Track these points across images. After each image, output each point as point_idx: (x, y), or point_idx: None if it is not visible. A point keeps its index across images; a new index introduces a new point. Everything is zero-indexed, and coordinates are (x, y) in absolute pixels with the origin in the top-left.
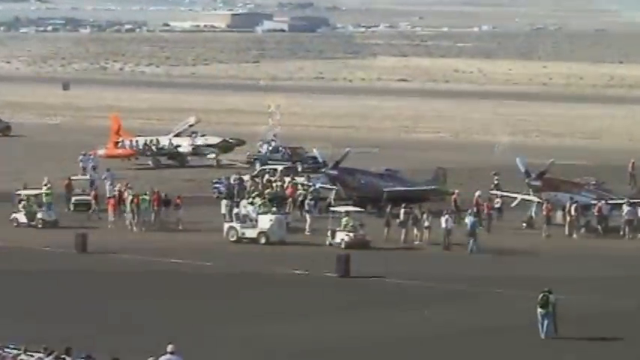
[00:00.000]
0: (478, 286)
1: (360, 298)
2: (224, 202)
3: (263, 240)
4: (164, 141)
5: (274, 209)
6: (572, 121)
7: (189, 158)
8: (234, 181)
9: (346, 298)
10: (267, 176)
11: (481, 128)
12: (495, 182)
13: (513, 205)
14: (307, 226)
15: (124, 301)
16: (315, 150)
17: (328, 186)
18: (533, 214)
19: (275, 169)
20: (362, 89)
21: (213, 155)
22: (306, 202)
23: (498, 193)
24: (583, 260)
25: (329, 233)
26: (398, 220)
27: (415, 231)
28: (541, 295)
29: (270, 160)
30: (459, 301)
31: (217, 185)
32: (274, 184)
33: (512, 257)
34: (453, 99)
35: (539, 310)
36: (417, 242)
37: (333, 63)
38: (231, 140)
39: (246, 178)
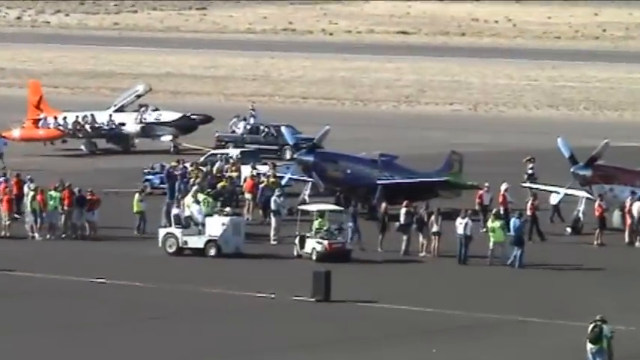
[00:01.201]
0: (505, 314)
1: (344, 330)
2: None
3: (213, 251)
4: (102, 118)
5: (228, 210)
6: (635, 89)
7: (136, 141)
8: (174, 170)
9: (325, 331)
10: (218, 164)
11: (509, 98)
12: (529, 172)
13: (553, 202)
14: (273, 232)
15: (7, 338)
16: (283, 128)
17: (301, 177)
18: (580, 216)
19: (230, 156)
20: (347, 45)
21: (169, 137)
22: (273, 199)
23: (532, 186)
24: None
25: (296, 240)
26: (397, 224)
27: (420, 238)
28: (592, 325)
29: (249, 142)
30: (478, 335)
31: (149, 177)
32: (227, 175)
33: (552, 274)
34: (470, 58)
35: (589, 345)
36: (422, 254)
37: (307, 9)
38: (193, 117)
39: (191, 167)
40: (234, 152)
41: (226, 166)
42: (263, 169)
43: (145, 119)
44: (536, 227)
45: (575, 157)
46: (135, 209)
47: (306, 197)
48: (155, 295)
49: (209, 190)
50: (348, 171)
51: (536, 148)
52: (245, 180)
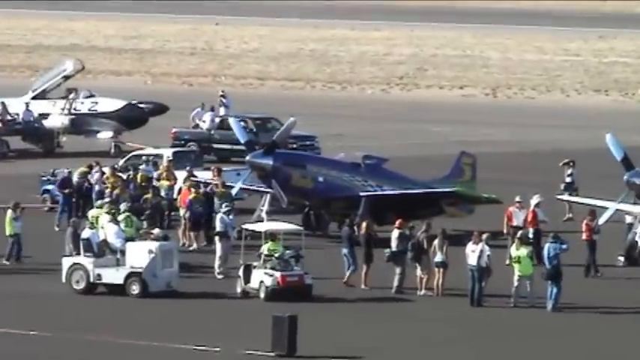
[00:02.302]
0: None
1: None
2: (64, 217)
3: (136, 288)
4: (16, 107)
5: (158, 232)
6: None
7: (63, 139)
8: (82, 177)
9: None
10: (143, 167)
11: (541, 80)
12: (568, 180)
13: (602, 221)
14: (218, 262)
15: None
16: (231, 120)
17: (257, 187)
18: (638, 240)
19: (160, 158)
20: (318, 8)
21: (108, 133)
22: (219, 217)
23: (572, 199)
24: None
25: (239, 272)
26: (387, 252)
27: (418, 271)
28: None
29: (218, 141)
30: None
31: (48, 186)
32: (156, 184)
33: (598, 321)
34: (487, 25)
35: None
36: (421, 292)
37: None
38: (141, 105)
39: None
40: (165, 153)
41: (155, 173)
42: (205, 175)
43: (75, 109)
44: (593, 257)
45: (630, 160)
46: (7, 231)
47: (263, 214)
48: (54, 347)
49: (129, 204)
50: (321, 179)
51: (577, 148)
52: (180, 191)
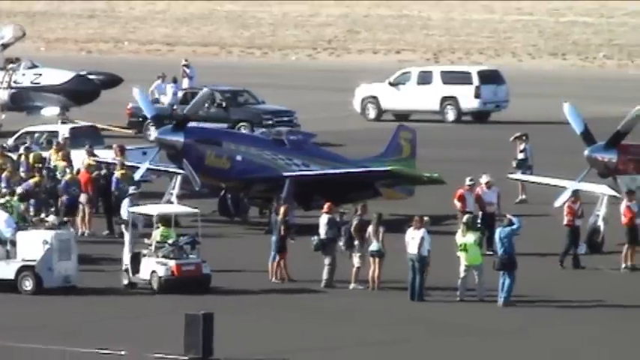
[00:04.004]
0: None
1: None
2: None
3: (29, 284)
4: None
5: (53, 219)
6: None
7: (2, 116)
8: None
9: None
10: (35, 149)
11: (490, 42)
12: (520, 157)
13: (559, 203)
14: (126, 253)
15: None
16: (136, 92)
17: (166, 167)
18: (600, 224)
19: (55, 135)
20: None
21: (55, 110)
22: (124, 203)
23: (524, 178)
24: None
25: (125, 261)
26: (314, 239)
27: (355, 260)
28: None
29: (180, 119)
30: None
31: None
32: (49, 165)
33: (555, 316)
34: None
35: None
36: (353, 285)
37: None
38: (92, 77)
39: None
40: (61, 130)
41: (49, 152)
42: (106, 154)
43: (15, 82)
44: (574, 246)
45: (591, 134)
46: None
47: (174, 198)
48: None
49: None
50: (239, 157)
51: (531, 120)
52: (78, 172)
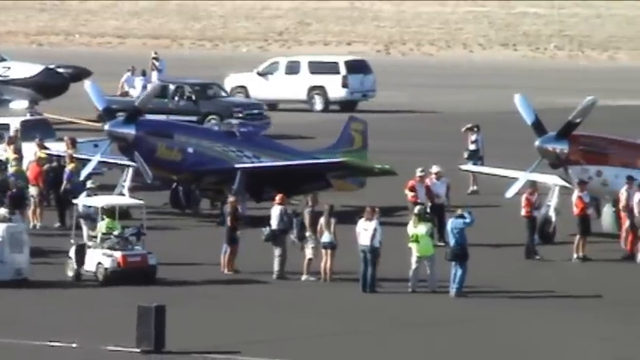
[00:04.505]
0: None
1: None
2: None
3: None
4: None
5: (3, 212)
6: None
7: None
8: None
9: None
10: None
11: (441, 34)
12: (471, 147)
13: (511, 194)
14: (80, 245)
15: None
16: (87, 84)
17: (117, 160)
18: (551, 214)
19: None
20: None
21: (23, 103)
22: (82, 195)
23: (475, 169)
24: None
25: (71, 252)
26: (265, 230)
27: (307, 251)
28: None
29: (150, 111)
30: None
31: None
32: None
33: (506, 307)
34: None
35: None
36: (305, 276)
37: None
38: (61, 70)
39: None
40: (12, 123)
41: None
42: (58, 147)
43: None
44: (532, 237)
45: (542, 124)
46: None
47: (125, 191)
48: None
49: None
50: (190, 149)
51: (482, 111)
52: (28, 165)
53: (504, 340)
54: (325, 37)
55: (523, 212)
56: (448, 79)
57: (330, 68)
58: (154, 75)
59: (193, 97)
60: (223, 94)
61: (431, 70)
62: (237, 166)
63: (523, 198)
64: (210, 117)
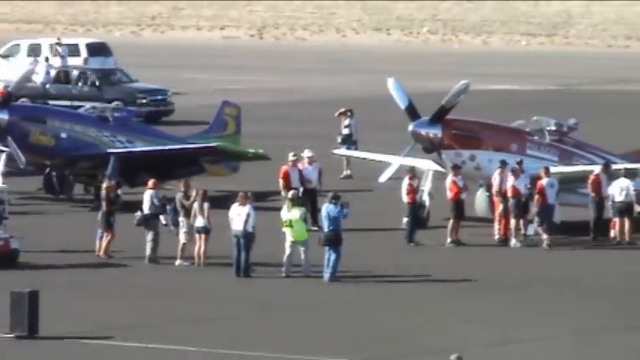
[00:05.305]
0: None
1: None
2: None
3: None
4: None
5: None
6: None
7: None
8: None
9: None
10: None
11: (314, 18)
12: (345, 132)
13: (384, 179)
14: None
15: None
16: None
17: None
18: (425, 198)
19: None
20: None
21: None
22: None
23: (349, 154)
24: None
25: None
26: (137, 214)
27: (181, 236)
28: None
29: (54, 97)
30: None
31: None
32: None
33: (380, 291)
34: None
35: None
36: (179, 261)
37: None
38: None
39: None
40: None
41: None
42: None
43: None
44: (413, 224)
45: (416, 108)
46: None
47: None
48: None
49: None
50: (63, 134)
51: (355, 95)
52: None
53: (379, 324)
54: (198, 22)
55: (406, 199)
56: (321, 63)
57: (72, 51)
58: (58, 60)
59: (97, 83)
60: (128, 80)
61: (304, 54)
62: (110, 151)
63: (405, 184)
64: (116, 102)
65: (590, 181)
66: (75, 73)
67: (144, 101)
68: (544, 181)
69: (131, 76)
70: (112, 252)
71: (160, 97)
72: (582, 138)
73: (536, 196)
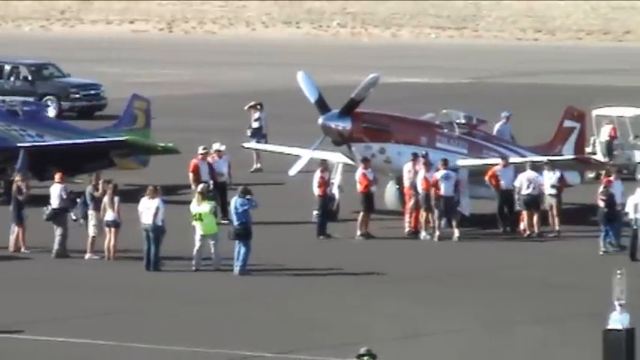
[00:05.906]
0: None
1: None
2: None
3: None
4: None
5: None
6: None
7: None
8: None
9: None
10: None
11: (223, 11)
12: (255, 125)
13: (294, 172)
14: None
15: None
16: None
17: None
18: (335, 192)
19: None
20: None
21: None
22: None
23: (258, 147)
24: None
25: None
26: (46, 209)
27: (90, 229)
28: None
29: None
30: None
31: None
32: None
33: (292, 284)
34: None
35: None
36: (88, 255)
37: None
38: None
39: None
40: None
41: None
42: None
43: None
44: (324, 215)
45: (325, 102)
46: None
47: None
48: None
49: None
50: None
51: (265, 89)
52: None
53: (290, 317)
54: (108, 16)
55: (317, 191)
56: (231, 56)
57: None
58: None
59: (29, 78)
60: (60, 74)
61: (213, 48)
62: (19, 145)
63: (317, 177)
64: (46, 97)
65: (488, 174)
66: (7, 67)
67: (77, 96)
68: (438, 174)
69: (63, 71)
70: (20, 246)
71: (92, 92)
72: (514, 131)
73: (432, 188)
